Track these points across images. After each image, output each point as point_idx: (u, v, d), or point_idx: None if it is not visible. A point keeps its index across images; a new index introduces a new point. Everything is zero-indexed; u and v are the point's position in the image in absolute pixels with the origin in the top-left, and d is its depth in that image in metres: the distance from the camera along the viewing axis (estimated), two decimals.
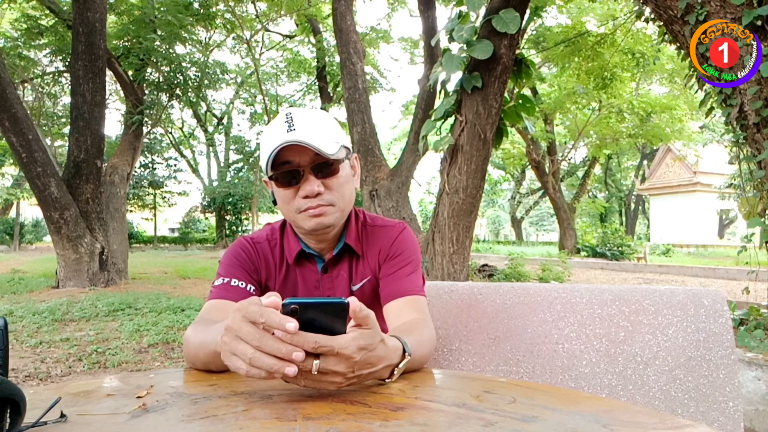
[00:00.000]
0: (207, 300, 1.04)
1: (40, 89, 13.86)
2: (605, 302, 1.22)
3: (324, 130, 1.01)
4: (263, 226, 1.21)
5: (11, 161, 15.44)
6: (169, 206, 27.32)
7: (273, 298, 0.65)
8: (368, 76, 12.21)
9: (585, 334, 1.21)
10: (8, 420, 0.53)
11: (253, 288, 1.06)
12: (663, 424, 0.62)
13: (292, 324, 0.61)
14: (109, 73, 9.43)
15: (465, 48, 4.34)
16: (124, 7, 10.93)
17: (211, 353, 0.79)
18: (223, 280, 1.05)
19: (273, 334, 0.63)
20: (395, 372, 0.76)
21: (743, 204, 3.44)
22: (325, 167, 1.01)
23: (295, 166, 1.00)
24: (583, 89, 13.15)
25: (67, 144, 9.94)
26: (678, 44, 3.54)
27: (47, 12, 10.71)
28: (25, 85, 12.93)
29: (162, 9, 10.52)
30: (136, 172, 20.66)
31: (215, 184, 25.97)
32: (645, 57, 11.60)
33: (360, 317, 0.67)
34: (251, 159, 25.70)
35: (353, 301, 0.65)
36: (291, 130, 0.98)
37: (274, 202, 1.08)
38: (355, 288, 1.11)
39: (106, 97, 9.80)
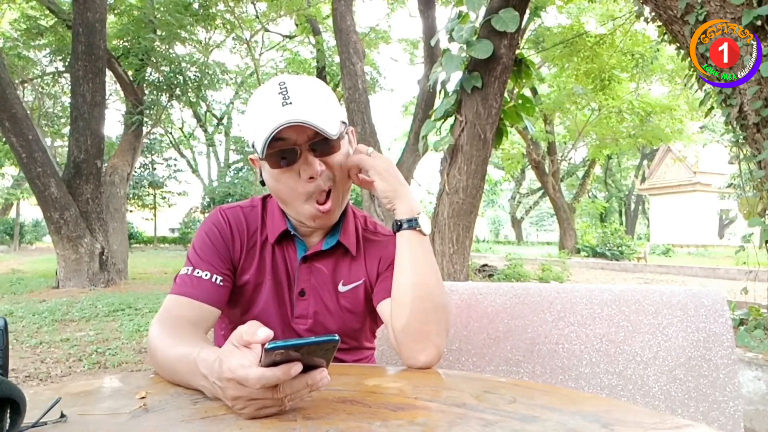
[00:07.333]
0: (170, 293, 0.95)
1: (40, 89, 13.83)
2: (605, 302, 1.22)
3: (323, 104, 0.92)
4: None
5: (11, 161, 15.38)
6: (169, 206, 27.25)
7: (262, 336, 0.61)
8: (368, 76, 12.20)
9: (585, 334, 1.21)
10: (8, 420, 0.53)
11: (220, 279, 0.96)
12: (663, 423, 0.62)
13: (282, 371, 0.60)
14: (108, 73, 9.42)
15: (465, 48, 4.34)
16: (123, 7, 10.93)
17: (186, 379, 0.75)
18: (188, 270, 0.96)
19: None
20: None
21: (743, 204, 3.44)
22: (324, 145, 0.92)
23: (291, 144, 0.90)
24: (581, 90, 13.15)
25: (67, 144, 9.93)
26: (678, 44, 3.53)
27: (47, 12, 10.69)
28: (25, 85, 12.90)
29: (161, 9, 10.51)
30: (135, 172, 20.58)
31: (215, 184, 25.96)
32: (644, 58, 11.61)
33: None
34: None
35: None
36: (287, 104, 0.88)
37: (262, 183, 0.99)
38: (343, 290, 1.03)
39: (106, 97, 9.79)
